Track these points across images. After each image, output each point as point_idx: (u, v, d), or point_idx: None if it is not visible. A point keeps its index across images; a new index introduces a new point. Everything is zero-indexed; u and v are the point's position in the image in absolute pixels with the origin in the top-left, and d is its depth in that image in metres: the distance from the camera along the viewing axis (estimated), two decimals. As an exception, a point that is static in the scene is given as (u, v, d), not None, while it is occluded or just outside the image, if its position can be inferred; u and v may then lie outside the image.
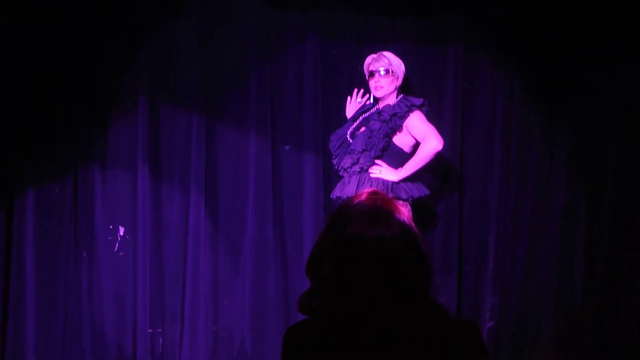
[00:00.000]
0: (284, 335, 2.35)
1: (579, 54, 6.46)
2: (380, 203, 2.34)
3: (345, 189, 5.85)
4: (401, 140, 5.89)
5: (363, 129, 5.93)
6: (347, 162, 5.88)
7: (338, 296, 2.25)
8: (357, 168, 5.84)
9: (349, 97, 6.28)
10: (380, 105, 5.98)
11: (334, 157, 6.03)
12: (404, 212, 2.34)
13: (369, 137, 5.82)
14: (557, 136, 6.60)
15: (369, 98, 6.15)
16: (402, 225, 2.29)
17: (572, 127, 6.57)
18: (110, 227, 6.46)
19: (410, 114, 5.85)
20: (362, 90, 6.22)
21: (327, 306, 2.27)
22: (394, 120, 5.83)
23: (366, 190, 2.43)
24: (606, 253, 6.45)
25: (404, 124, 5.85)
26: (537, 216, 6.58)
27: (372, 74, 5.94)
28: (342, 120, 6.25)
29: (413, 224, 2.33)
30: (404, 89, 6.10)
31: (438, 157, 5.94)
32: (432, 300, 2.28)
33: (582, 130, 6.55)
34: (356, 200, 2.36)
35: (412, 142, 5.90)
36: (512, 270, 6.55)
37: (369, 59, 6.00)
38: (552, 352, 6.44)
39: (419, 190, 5.88)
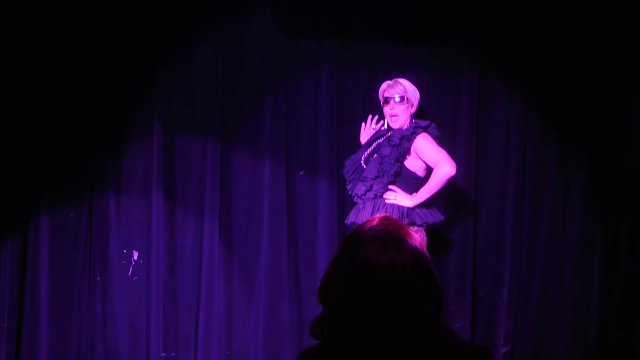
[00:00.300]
0: (296, 359, 2.35)
1: (594, 83, 6.45)
2: (392, 228, 2.31)
3: (360, 215, 5.85)
4: (413, 164, 5.90)
5: (376, 155, 5.94)
6: (360, 189, 5.88)
7: (348, 323, 2.23)
8: (371, 195, 5.84)
9: (363, 124, 6.30)
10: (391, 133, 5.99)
11: (347, 182, 6.03)
12: (416, 237, 2.32)
13: (380, 164, 5.83)
14: (573, 165, 6.58)
15: (383, 124, 6.17)
16: (414, 250, 2.26)
17: (587, 156, 6.56)
18: (125, 251, 6.47)
19: (417, 137, 5.86)
20: (376, 117, 6.23)
21: (338, 332, 2.25)
22: (403, 143, 5.84)
23: (378, 215, 2.41)
24: (622, 283, 6.41)
25: (412, 148, 5.86)
26: (553, 245, 6.55)
27: (387, 100, 5.96)
28: (357, 146, 6.26)
29: (425, 250, 2.31)
30: (419, 117, 6.10)
31: (452, 183, 5.95)
32: (444, 326, 2.25)
33: (598, 160, 6.53)
34: (368, 226, 2.34)
35: (424, 165, 5.91)
36: (527, 298, 6.53)
37: (384, 86, 6.02)
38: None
39: (434, 216, 5.88)
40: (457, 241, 6.50)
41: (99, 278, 6.47)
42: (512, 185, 6.53)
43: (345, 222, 6.08)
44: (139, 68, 6.44)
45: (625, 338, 6.34)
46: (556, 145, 6.59)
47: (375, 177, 5.82)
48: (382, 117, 6.15)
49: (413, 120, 5.97)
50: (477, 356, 2.25)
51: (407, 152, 5.87)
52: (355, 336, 2.22)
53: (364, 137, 6.26)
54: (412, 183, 5.88)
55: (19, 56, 6.22)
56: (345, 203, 6.38)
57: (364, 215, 5.80)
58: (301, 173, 6.55)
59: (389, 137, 5.95)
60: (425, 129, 5.93)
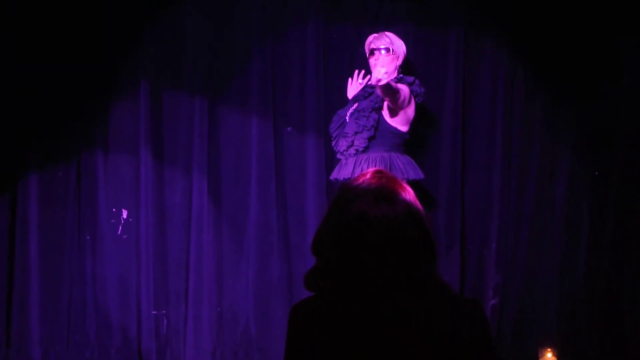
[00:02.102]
0: (289, 312, 2.35)
1: (584, 38, 6.43)
2: (385, 182, 2.32)
3: (342, 171, 5.85)
4: (395, 119, 5.87)
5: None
6: (342, 145, 5.87)
7: (342, 275, 2.24)
8: (352, 151, 5.83)
9: (349, 79, 6.29)
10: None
11: (332, 138, 6.03)
12: (410, 191, 2.32)
13: (357, 119, 5.82)
14: (561, 119, 6.58)
15: (370, 79, 6.15)
16: (408, 204, 2.27)
17: (576, 110, 6.56)
18: (114, 210, 6.48)
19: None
20: (362, 72, 6.22)
21: (332, 285, 2.27)
22: (376, 93, 5.80)
23: (371, 169, 2.40)
24: (611, 234, 6.45)
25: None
26: (541, 198, 6.58)
27: (372, 52, 5.95)
28: (344, 101, 6.26)
29: (419, 203, 2.31)
30: (406, 72, 6.09)
31: (439, 136, 5.90)
32: (437, 278, 2.27)
33: (586, 114, 6.53)
34: (361, 179, 2.34)
35: (405, 119, 5.88)
36: (515, 250, 6.56)
37: (370, 38, 6.00)
38: (555, 329, 6.46)
39: (415, 172, 5.84)
40: (445, 195, 6.51)
41: (88, 237, 6.48)
42: (500, 138, 6.53)
43: (330, 178, 6.09)
44: (125, 25, 6.41)
45: (613, 288, 6.39)
46: (543, 98, 6.58)
47: (355, 133, 5.80)
48: (368, 72, 6.13)
49: (400, 74, 5.95)
50: (469, 308, 2.26)
51: (382, 100, 5.81)
52: (349, 289, 2.23)
53: (351, 92, 6.24)
54: (394, 137, 5.84)
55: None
56: (333, 159, 6.37)
57: (345, 171, 5.80)
58: (289, 129, 6.54)
59: (367, 91, 5.93)
60: (410, 85, 5.88)
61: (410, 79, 5.94)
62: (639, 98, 6.41)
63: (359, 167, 5.73)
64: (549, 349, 6.30)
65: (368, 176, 2.35)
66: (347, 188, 2.34)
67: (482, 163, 6.57)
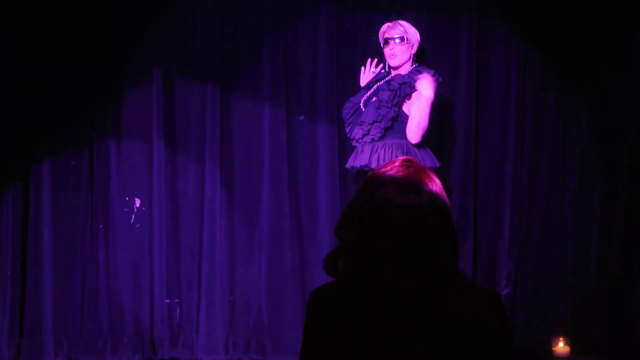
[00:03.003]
0: (308, 298, 2.34)
1: (595, 22, 6.40)
2: (413, 171, 2.30)
3: (359, 159, 5.83)
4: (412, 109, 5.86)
5: (375, 98, 5.91)
6: (358, 133, 5.85)
7: (362, 261, 2.23)
8: (367, 139, 5.81)
9: (362, 67, 6.27)
10: (394, 73, 5.95)
11: (346, 124, 6.00)
12: (438, 182, 2.31)
13: (378, 108, 5.80)
14: (573, 106, 6.58)
15: (383, 67, 6.13)
16: (433, 195, 2.26)
17: (588, 97, 6.55)
18: (127, 199, 6.49)
19: (420, 76, 5.79)
20: (375, 60, 6.20)
21: (352, 270, 2.26)
22: (403, 89, 5.79)
23: (400, 157, 2.39)
24: (622, 223, 6.41)
25: (415, 93, 5.80)
26: (552, 186, 6.57)
27: (387, 41, 5.93)
28: (356, 89, 6.24)
29: (445, 195, 2.30)
30: (419, 59, 6.07)
31: (453, 125, 5.90)
32: (457, 270, 2.26)
33: (598, 101, 6.51)
34: (389, 167, 2.33)
35: None
36: (528, 239, 6.56)
37: (384, 27, 5.98)
38: (567, 318, 6.45)
39: (432, 161, 5.84)
40: (458, 183, 6.50)
41: (101, 226, 6.48)
42: (512, 126, 6.53)
43: (346, 165, 6.08)
44: (137, 13, 6.40)
45: (625, 277, 6.37)
46: (555, 86, 6.58)
47: (374, 122, 5.78)
48: (381, 60, 6.12)
49: (418, 69, 5.92)
50: (488, 299, 2.25)
51: (408, 97, 5.82)
52: (369, 274, 2.22)
53: (364, 80, 6.22)
54: None
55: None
56: (345, 147, 6.38)
57: (362, 158, 5.78)
58: (301, 118, 6.53)
59: (388, 81, 5.91)
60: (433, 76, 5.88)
61: (432, 71, 5.91)
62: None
63: (375, 154, 5.72)
64: (561, 338, 6.30)
65: (397, 164, 2.34)
66: (375, 175, 2.33)
67: (495, 152, 6.56)
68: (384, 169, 2.33)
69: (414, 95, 5.80)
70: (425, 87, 5.71)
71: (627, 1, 6.33)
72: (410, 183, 2.26)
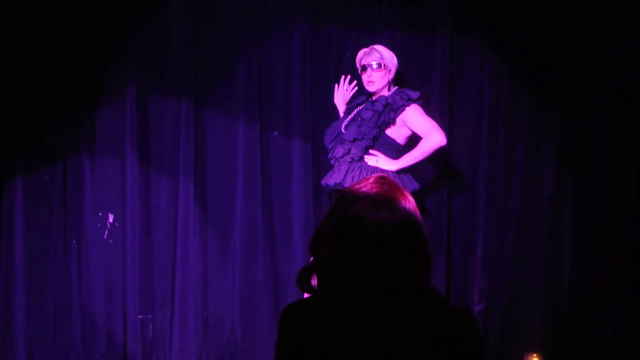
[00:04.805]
0: (280, 315, 2.35)
1: (568, 41, 6.45)
2: (387, 188, 2.32)
3: (334, 176, 5.84)
4: (395, 132, 5.86)
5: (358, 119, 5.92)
6: (339, 152, 5.87)
7: (335, 277, 2.25)
8: (348, 158, 5.82)
9: (336, 85, 6.29)
10: (374, 98, 5.96)
11: (329, 150, 6.01)
12: (411, 200, 2.32)
13: (359, 127, 5.81)
14: (545, 123, 6.59)
15: (357, 84, 6.16)
16: (406, 212, 2.27)
17: (560, 114, 6.57)
18: (100, 214, 6.46)
19: (407, 108, 5.83)
20: (349, 77, 6.22)
21: (324, 286, 2.27)
22: (387, 112, 5.81)
23: (374, 175, 2.41)
24: (594, 238, 6.47)
25: (399, 117, 5.82)
26: (525, 203, 6.59)
27: (364, 68, 5.92)
28: (330, 107, 6.26)
29: (418, 213, 2.31)
30: (396, 81, 6.09)
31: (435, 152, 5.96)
32: (429, 287, 2.27)
33: (570, 118, 6.53)
34: (363, 184, 2.35)
35: (407, 134, 5.88)
36: (500, 255, 6.57)
37: (360, 53, 5.97)
38: (541, 333, 6.47)
39: (411, 183, 5.86)
40: (432, 200, 6.51)
41: (74, 241, 6.46)
42: (485, 143, 6.54)
43: (321, 182, 6.09)
44: (111, 30, 6.39)
45: (597, 293, 6.41)
46: (528, 102, 6.60)
47: (354, 140, 5.79)
48: (354, 77, 6.14)
49: (403, 91, 5.93)
50: (460, 318, 2.25)
51: (392, 122, 5.84)
52: (342, 290, 2.23)
53: (338, 98, 6.25)
54: (390, 149, 5.85)
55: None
56: (319, 162, 6.40)
57: (337, 176, 5.80)
58: (275, 133, 6.54)
59: (372, 101, 5.92)
60: (416, 101, 5.90)
61: (415, 94, 5.93)
62: (621, 101, 6.43)
63: (350, 174, 5.74)
64: (534, 354, 6.32)
65: (371, 180, 2.36)
66: (349, 191, 2.35)
67: (468, 167, 6.58)
68: (357, 186, 2.35)
69: (397, 120, 5.83)
70: (433, 134, 5.81)
71: (600, 14, 6.39)
72: (383, 200, 2.28)
